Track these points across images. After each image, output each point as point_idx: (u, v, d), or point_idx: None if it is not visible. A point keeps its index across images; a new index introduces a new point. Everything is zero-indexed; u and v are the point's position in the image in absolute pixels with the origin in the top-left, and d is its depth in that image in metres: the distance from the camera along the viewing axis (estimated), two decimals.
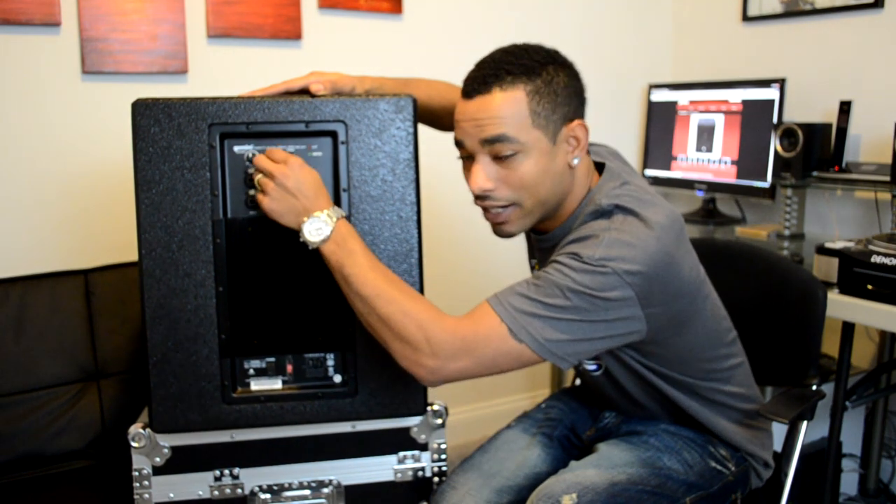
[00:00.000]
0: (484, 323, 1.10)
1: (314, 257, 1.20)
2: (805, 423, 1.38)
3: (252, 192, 1.22)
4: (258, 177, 1.19)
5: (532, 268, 1.40)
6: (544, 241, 1.27)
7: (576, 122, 1.17)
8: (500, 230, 1.22)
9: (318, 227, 1.15)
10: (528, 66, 1.14)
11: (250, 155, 1.22)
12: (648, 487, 1.21)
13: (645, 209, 1.14)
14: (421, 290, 1.26)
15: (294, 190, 1.16)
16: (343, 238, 1.15)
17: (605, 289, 1.08)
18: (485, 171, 1.16)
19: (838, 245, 1.64)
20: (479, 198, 1.19)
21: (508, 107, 1.12)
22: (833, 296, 1.57)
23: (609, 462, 1.22)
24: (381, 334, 1.14)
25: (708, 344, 1.26)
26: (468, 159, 1.19)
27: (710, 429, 1.31)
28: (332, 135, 1.23)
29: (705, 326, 1.24)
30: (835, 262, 1.62)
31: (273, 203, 1.16)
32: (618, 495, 1.17)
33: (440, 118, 1.43)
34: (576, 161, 1.18)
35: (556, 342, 1.09)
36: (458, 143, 1.19)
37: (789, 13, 2.38)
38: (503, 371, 1.13)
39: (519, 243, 1.44)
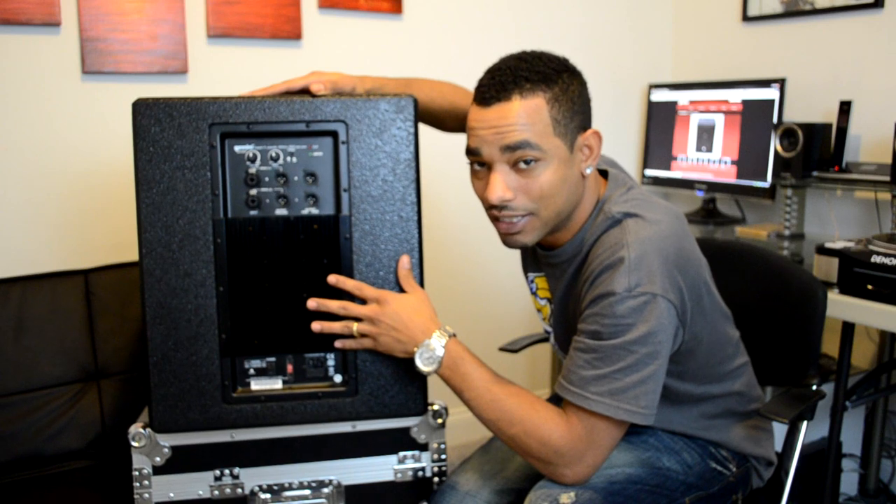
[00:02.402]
0: (585, 423, 1.11)
1: (314, 257, 1.21)
2: (805, 423, 1.38)
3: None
4: (355, 326, 1.22)
5: (531, 281, 1.38)
6: (555, 257, 1.25)
7: (590, 131, 1.17)
8: (513, 241, 1.19)
9: (429, 356, 1.19)
10: (544, 73, 1.12)
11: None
12: (647, 487, 1.21)
13: (652, 212, 1.15)
14: None
15: (396, 325, 1.20)
16: (455, 363, 1.19)
17: (652, 315, 1.08)
18: (504, 180, 1.13)
19: (838, 245, 1.64)
20: (495, 207, 1.15)
21: (530, 114, 1.10)
22: (833, 296, 1.57)
23: (608, 461, 1.22)
24: (514, 450, 1.18)
25: (718, 345, 1.26)
26: (482, 168, 1.17)
27: (710, 439, 1.31)
28: (333, 135, 1.23)
29: (714, 330, 1.24)
30: (835, 262, 1.62)
31: (382, 345, 1.22)
32: (616, 494, 1.17)
33: (442, 119, 1.43)
34: (588, 170, 1.18)
35: (651, 404, 1.11)
36: (474, 152, 1.15)
37: (789, 13, 2.38)
38: None
39: None
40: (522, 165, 1.12)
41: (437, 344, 1.19)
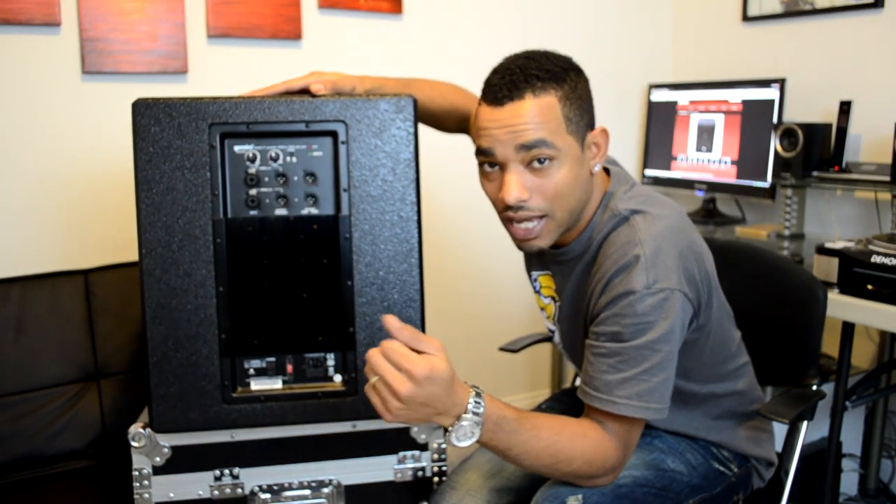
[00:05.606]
0: (619, 429, 1.12)
1: (314, 258, 1.21)
2: (805, 423, 1.38)
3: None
4: (373, 380, 0.99)
5: (535, 280, 1.37)
6: (562, 255, 1.25)
7: (598, 129, 1.17)
8: (529, 245, 1.17)
9: (465, 433, 1.02)
10: (554, 71, 1.11)
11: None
12: (654, 489, 1.21)
13: (658, 208, 1.16)
14: (421, 290, 1.26)
15: (427, 402, 0.99)
16: (496, 426, 1.04)
17: (671, 310, 1.08)
18: (519, 180, 1.10)
19: (838, 245, 1.64)
20: (510, 208, 1.12)
21: (543, 112, 1.09)
22: (833, 296, 1.57)
23: None
24: (574, 483, 1.15)
25: (722, 343, 1.26)
26: (493, 169, 1.14)
27: (711, 440, 1.31)
28: (333, 135, 1.23)
29: (719, 326, 1.24)
30: (835, 262, 1.62)
31: (402, 417, 1.00)
32: (623, 497, 1.17)
33: (441, 119, 1.43)
34: (597, 167, 1.18)
35: (669, 399, 1.12)
36: (486, 152, 1.12)
37: (789, 13, 2.38)
38: None
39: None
40: (536, 164, 1.10)
41: (474, 423, 1.02)
